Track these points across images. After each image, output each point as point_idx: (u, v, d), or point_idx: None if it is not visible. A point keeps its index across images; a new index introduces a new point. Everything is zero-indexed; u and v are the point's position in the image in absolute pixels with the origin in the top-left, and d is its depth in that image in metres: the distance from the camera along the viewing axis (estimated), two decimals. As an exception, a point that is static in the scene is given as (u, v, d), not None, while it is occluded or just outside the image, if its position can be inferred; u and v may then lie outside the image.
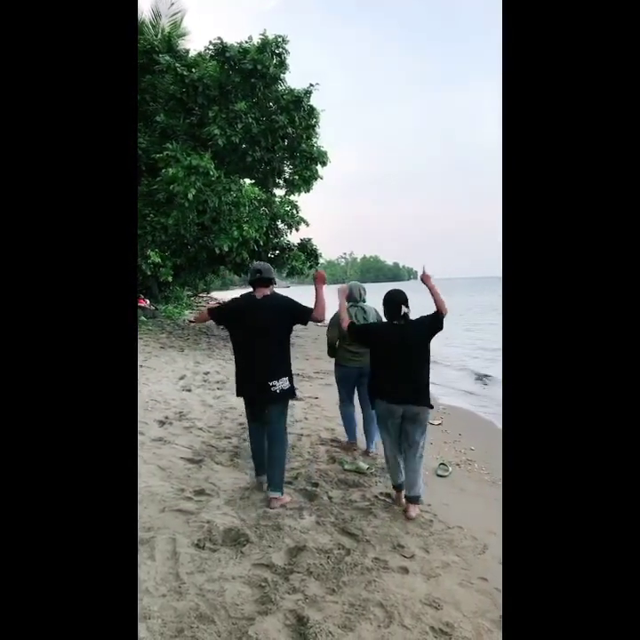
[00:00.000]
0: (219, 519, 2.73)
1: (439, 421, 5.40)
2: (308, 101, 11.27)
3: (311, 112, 11.37)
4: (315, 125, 11.63)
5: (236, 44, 10.89)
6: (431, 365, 3.09)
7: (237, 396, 3.26)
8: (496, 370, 8.85)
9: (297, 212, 12.12)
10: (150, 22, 12.86)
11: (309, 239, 13.33)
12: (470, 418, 5.94)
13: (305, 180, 12.01)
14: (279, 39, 10.84)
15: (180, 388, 6.15)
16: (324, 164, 11.97)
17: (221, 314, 3.28)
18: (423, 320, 3.06)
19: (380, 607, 2.05)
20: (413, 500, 3.00)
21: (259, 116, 10.93)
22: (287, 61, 11.19)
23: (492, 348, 11.53)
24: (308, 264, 12.79)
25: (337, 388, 4.28)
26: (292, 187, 12.21)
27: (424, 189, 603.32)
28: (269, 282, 3.18)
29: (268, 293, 3.16)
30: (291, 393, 3.16)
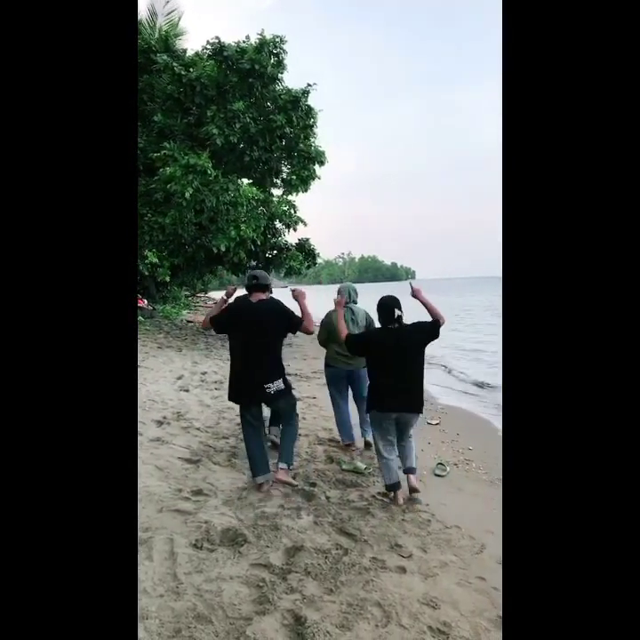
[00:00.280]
0: (216, 519, 2.73)
1: (437, 421, 5.41)
2: (306, 101, 11.27)
3: (309, 112, 11.37)
4: (312, 125, 11.63)
5: (233, 44, 10.87)
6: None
7: (229, 400, 3.31)
8: (495, 372, 8.84)
9: (295, 212, 12.09)
10: (147, 21, 12.78)
11: (307, 239, 13.32)
12: (468, 417, 5.94)
13: (303, 180, 11.98)
14: (277, 39, 10.85)
15: (178, 388, 6.13)
16: (321, 163, 11.95)
17: (220, 323, 3.33)
18: (422, 326, 3.17)
19: (378, 607, 2.05)
20: (412, 470, 3.22)
21: (256, 116, 10.92)
22: (285, 61, 11.20)
23: (492, 350, 11.50)
24: (306, 264, 12.80)
25: (328, 391, 4.25)
26: (290, 186, 12.17)
27: (423, 189, 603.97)
28: (266, 288, 3.30)
29: (264, 298, 3.27)
30: (287, 390, 3.28)
